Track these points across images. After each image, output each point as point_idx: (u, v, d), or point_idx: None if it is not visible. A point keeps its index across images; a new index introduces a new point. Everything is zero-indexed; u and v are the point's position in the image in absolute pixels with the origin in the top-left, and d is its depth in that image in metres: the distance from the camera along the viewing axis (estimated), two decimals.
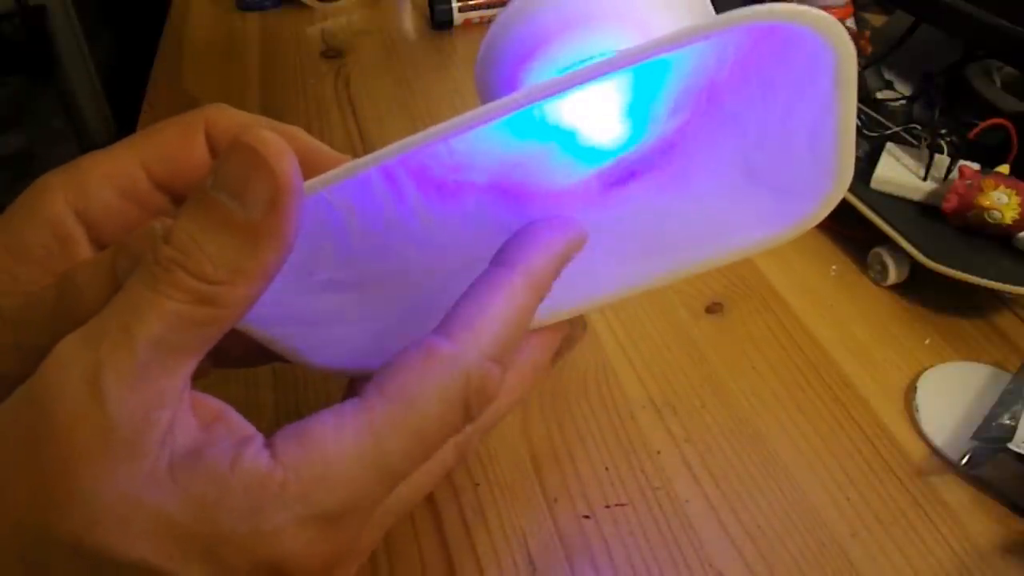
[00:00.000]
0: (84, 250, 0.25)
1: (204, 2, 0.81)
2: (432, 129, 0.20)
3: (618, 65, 0.20)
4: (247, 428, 0.22)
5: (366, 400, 0.21)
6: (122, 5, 1.73)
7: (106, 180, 0.25)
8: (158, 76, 0.67)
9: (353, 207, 0.23)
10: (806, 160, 0.24)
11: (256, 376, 0.38)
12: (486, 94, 0.28)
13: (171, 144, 0.26)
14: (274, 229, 0.20)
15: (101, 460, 0.19)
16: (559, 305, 0.26)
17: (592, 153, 0.25)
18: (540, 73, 0.26)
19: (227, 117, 0.27)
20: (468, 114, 0.20)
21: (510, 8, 0.25)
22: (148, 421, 0.19)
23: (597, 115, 0.24)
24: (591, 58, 0.24)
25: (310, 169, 0.22)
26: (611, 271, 0.27)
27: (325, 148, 0.27)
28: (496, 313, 0.22)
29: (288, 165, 0.20)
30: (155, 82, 0.66)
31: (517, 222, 0.25)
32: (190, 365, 0.20)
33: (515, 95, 0.20)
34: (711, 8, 0.27)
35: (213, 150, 0.27)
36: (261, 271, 0.20)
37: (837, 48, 0.21)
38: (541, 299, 0.24)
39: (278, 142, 0.20)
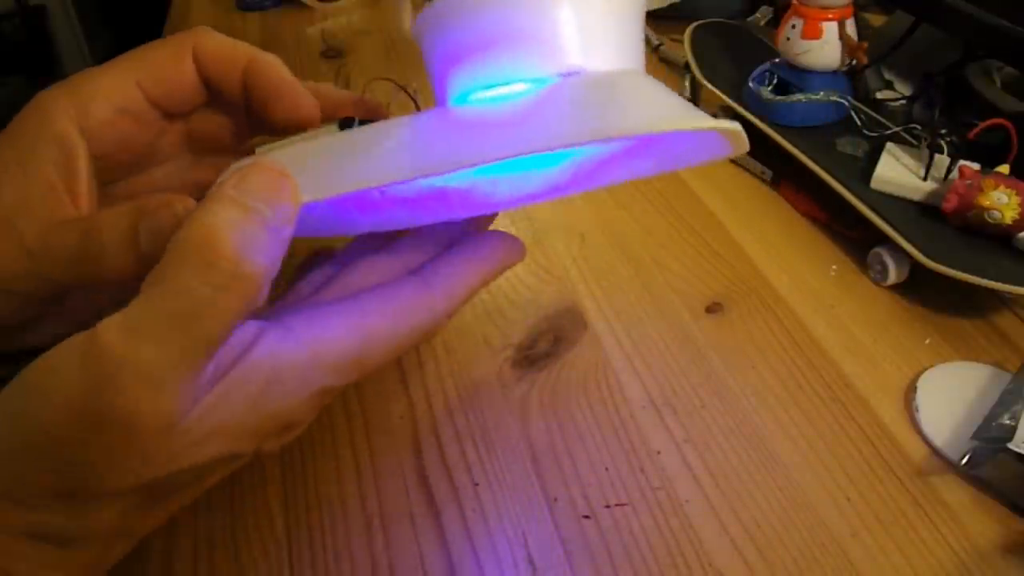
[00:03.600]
0: (84, 162, 0.27)
1: (204, 2, 0.81)
2: (382, 173, 0.24)
3: (514, 154, 0.23)
4: (248, 331, 0.24)
5: (362, 308, 0.27)
6: (122, 5, 1.73)
7: (105, 98, 0.28)
8: None
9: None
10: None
11: None
12: (424, 57, 0.28)
13: (164, 66, 0.29)
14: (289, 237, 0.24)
15: (166, 443, 0.22)
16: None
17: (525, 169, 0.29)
18: (463, 81, 0.26)
19: (214, 41, 0.30)
20: (418, 163, 0.24)
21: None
22: (199, 402, 0.23)
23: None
24: (508, 82, 0.25)
25: (286, 100, 0.30)
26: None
27: (296, 83, 0.31)
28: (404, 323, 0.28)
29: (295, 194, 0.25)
30: None
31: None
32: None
33: (456, 162, 0.23)
34: (641, 43, 0.27)
35: (200, 71, 0.30)
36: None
37: (737, 147, 0.26)
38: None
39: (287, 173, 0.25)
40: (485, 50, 0.25)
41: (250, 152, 0.32)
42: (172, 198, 0.25)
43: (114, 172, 0.30)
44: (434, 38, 0.26)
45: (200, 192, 0.24)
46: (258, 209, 0.23)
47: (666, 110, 0.24)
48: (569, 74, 0.25)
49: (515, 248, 0.32)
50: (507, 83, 0.25)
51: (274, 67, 0.30)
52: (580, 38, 0.25)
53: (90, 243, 0.26)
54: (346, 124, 0.32)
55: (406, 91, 0.32)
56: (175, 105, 0.30)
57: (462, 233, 0.32)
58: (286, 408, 0.25)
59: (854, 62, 0.48)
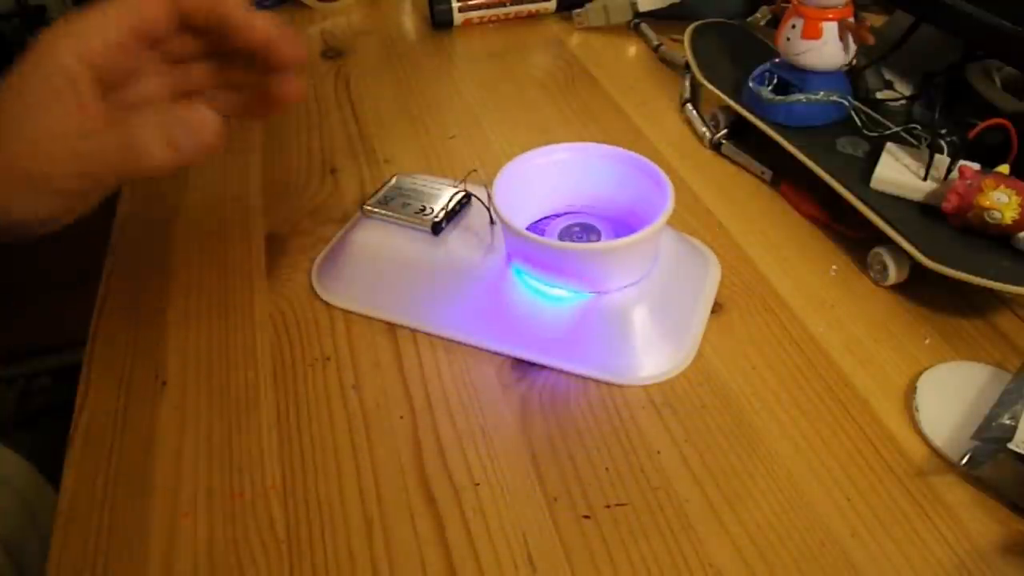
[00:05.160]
0: (87, 84, 0.33)
1: None
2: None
3: None
4: None
5: None
6: None
7: (99, 34, 0.34)
8: None
9: None
10: None
11: (256, 372, 0.38)
12: (503, 229, 0.38)
13: (147, 7, 0.35)
14: None
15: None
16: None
17: None
18: (525, 269, 0.38)
19: None
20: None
21: (540, 243, 0.36)
22: None
23: None
24: (556, 287, 0.38)
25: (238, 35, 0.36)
26: None
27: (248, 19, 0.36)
28: None
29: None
30: None
31: None
32: None
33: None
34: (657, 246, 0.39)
35: (176, 6, 0.36)
36: None
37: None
38: None
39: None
40: (543, 268, 0.37)
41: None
42: (201, 107, 0.34)
43: (109, 90, 0.36)
44: (511, 240, 0.38)
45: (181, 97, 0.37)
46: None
47: (647, 360, 0.37)
48: (599, 292, 0.37)
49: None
50: (556, 287, 0.37)
51: (231, 3, 0.36)
52: (609, 273, 0.37)
53: (133, 142, 0.33)
54: (437, 227, 0.40)
55: (482, 203, 0.41)
56: (155, 36, 0.36)
57: None
58: None
59: (854, 61, 0.48)
